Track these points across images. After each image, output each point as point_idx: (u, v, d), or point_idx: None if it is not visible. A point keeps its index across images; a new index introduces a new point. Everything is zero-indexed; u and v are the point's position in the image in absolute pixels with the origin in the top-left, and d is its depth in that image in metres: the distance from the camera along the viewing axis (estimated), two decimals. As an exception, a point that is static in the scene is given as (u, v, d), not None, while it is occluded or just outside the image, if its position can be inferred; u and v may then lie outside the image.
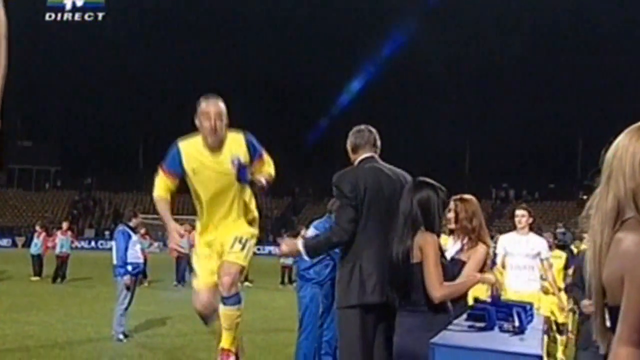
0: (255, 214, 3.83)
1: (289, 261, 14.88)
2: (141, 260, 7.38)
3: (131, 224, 7.19)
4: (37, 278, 14.79)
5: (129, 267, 6.86)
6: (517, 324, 2.55)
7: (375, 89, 42.37)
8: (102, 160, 46.31)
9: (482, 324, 2.51)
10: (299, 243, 3.32)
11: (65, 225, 16.24)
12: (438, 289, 2.62)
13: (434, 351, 1.91)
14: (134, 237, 7.11)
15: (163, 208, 3.61)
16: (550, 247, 5.99)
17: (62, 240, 15.11)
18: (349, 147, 3.42)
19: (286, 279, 15.20)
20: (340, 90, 45.59)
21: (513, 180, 43.72)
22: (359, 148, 3.38)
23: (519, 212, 5.44)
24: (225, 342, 3.61)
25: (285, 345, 6.15)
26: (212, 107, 3.50)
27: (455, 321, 2.60)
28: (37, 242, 15.41)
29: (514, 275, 5.34)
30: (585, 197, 42.37)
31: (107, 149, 46.23)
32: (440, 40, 41.66)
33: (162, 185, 3.62)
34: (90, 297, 11.36)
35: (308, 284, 4.83)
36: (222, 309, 3.55)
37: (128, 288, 6.85)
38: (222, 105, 3.54)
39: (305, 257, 3.40)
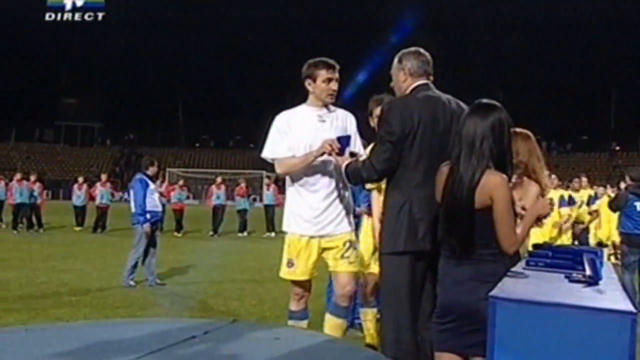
0: None
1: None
2: (159, 209, 7.22)
3: (149, 172, 7.04)
4: (79, 228, 15.17)
5: (148, 216, 6.74)
6: (588, 272, 2.10)
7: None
8: (144, 117, 47.05)
9: (546, 274, 2.06)
10: (345, 163, 2.91)
11: (104, 177, 16.43)
12: (514, 242, 2.18)
13: (494, 306, 1.47)
14: (152, 186, 6.98)
15: None
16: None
17: (101, 192, 15.34)
18: (407, 70, 2.86)
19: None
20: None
21: (545, 132, 42.09)
22: (419, 74, 2.86)
23: None
24: None
25: (319, 294, 5.86)
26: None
27: (512, 271, 2.14)
28: (80, 194, 15.73)
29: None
30: (617, 148, 40.60)
31: (148, 106, 46.83)
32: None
33: None
34: (128, 246, 11.32)
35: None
36: None
37: (148, 236, 6.76)
38: None
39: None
